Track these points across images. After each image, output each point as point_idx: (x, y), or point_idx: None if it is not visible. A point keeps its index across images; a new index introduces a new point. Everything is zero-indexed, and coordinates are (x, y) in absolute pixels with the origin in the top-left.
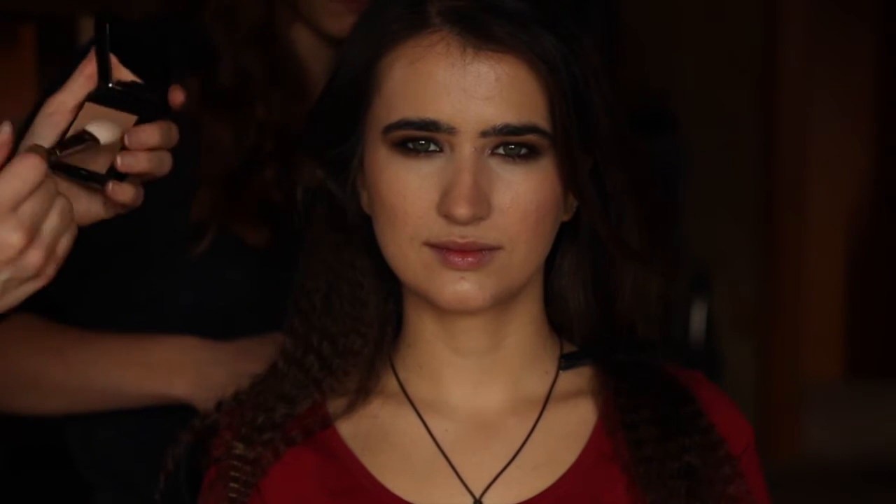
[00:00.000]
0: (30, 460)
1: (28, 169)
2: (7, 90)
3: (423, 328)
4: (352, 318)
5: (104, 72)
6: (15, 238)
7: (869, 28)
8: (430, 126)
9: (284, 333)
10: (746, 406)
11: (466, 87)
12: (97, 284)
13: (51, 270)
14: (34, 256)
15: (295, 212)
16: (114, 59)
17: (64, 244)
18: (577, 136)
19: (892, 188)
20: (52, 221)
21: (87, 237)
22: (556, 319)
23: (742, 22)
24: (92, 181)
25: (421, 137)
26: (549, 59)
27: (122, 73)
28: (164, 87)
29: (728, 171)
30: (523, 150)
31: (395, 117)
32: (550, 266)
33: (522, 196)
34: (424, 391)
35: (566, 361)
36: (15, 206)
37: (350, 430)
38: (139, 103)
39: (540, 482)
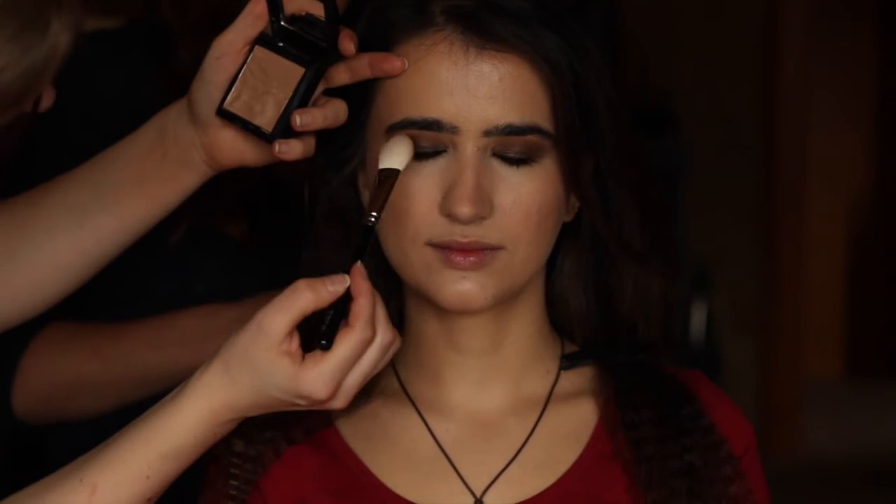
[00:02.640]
0: (29, 460)
1: (356, 345)
2: None
3: (424, 328)
4: None
5: (275, 7)
6: (322, 393)
7: (869, 28)
8: (433, 125)
9: None
10: (746, 406)
11: (469, 87)
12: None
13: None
14: (333, 405)
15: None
16: None
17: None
18: (580, 135)
19: (892, 188)
20: (356, 375)
21: None
22: (558, 320)
23: (742, 22)
24: (260, 135)
25: (424, 138)
26: (552, 58)
27: (293, 5)
28: (334, 31)
29: (728, 171)
30: (523, 156)
31: (397, 116)
32: (552, 266)
33: (525, 197)
34: (425, 391)
35: (567, 361)
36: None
37: (351, 429)
38: (309, 47)
39: (541, 482)
